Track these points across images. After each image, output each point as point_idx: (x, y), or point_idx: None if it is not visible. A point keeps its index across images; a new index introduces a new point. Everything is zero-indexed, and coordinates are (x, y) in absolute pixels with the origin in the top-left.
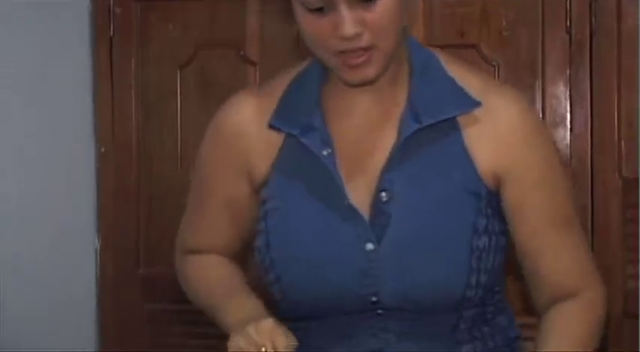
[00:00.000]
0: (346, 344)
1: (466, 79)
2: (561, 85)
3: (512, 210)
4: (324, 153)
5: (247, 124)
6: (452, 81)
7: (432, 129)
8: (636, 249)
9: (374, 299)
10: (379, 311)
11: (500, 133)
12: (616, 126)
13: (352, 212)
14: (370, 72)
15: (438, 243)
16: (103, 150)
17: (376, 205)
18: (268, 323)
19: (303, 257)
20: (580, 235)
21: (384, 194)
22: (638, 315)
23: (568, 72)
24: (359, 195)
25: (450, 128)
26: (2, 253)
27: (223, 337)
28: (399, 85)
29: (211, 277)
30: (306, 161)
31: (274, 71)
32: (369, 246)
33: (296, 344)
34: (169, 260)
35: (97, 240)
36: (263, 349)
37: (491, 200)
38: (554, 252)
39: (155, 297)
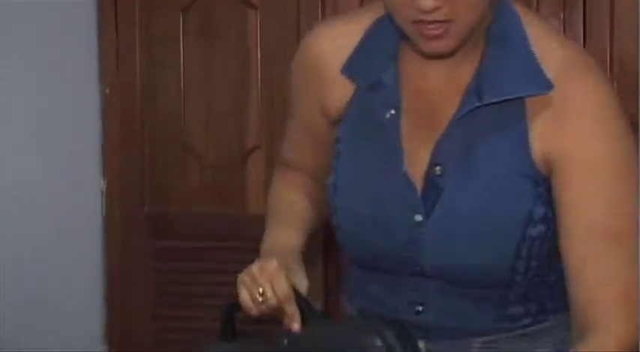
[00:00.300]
0: (394, 297)
1: (549, 53)
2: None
3: (556, 205)
4: (387, 115)
5: (325, 60)
6: (529, 56)
7: (496, 106)
8: None
9: (417, 268)
10: (423, 277)
11: (570, 122)
12: (608, 67)
13: (406, 181)
14: (445, 45)
15: (487, 230)
16: (107, 92)
17: (429, 177)
18: (272, 264)
19: (358, 213)
20: (631, 255)
21: (437, 168)
22: None
23: (562, 15)
24: (416, 162)
25: (515, 107)
26: (6, 186)
27: (224, 272)
28: (475, 53)
29: (277, 198)
30: (372, 115)
31: (275, 14)
32: (418, 218)
33: (300, 290)
34: (173, 199)
35: (102, 180)
36: (260, 290)
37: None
38: (592, 272)
39: (160, 235)
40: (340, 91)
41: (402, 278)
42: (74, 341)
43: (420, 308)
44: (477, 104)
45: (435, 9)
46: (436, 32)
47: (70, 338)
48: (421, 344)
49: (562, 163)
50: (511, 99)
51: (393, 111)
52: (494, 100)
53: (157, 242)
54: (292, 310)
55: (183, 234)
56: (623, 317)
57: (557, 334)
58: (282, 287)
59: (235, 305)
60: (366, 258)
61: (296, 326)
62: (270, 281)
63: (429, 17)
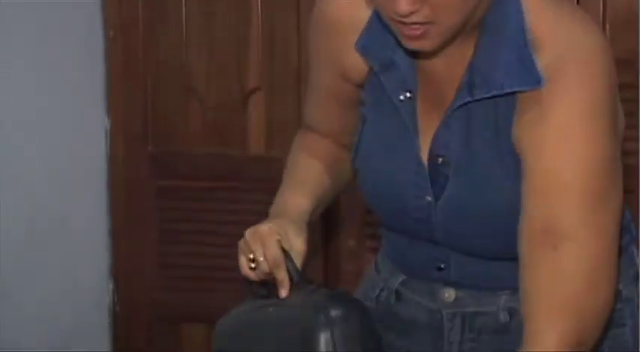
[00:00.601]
0: (416, 255)
1: (550, 40)
2: None
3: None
4: (402, 97)
5: (342, 28)
6: (524, 46)
7: (489, 99)
8: None
9: (432, 239)
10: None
11: (553, 120)
12: (601, 20)
13: (418, 163)
14: (427, 44)
15: (494, 213)
16: (111, 34)
17: (434, 165)
18: (264, 228)
19: (376, 180)
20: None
21: (440, 159)
22: None
23: None
24: (427, 145)
25: (507, 100)
26: (10, 125)
27: (225, 211)
28: (471, 42)
29: (292, 161)
30: (387, 94)
31: None
32: (428, 199)
33: (295, 255)
34: (176, 139)
35: (107, 121)
36: (251, 256)
37: None
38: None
39: (162, 174)
40: (357, 61)
41: (421, 242)
42: (80, 278)
43: (442, 266)
44: (469, 99)
45: (412, 13)
46: (416, 33)
47: (76, 275)
48: (447, 293)
49: (532, 155)
50: (503, 95)
51: (408, 94)
52: (485, 95)
53: (159, 181)
54: (281, 276)
55: (185, 173)
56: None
57: None
58: (272, 252)
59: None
60: (386, 218)
61: (283, 293)
62: (261, 246)
63: (407, 20)
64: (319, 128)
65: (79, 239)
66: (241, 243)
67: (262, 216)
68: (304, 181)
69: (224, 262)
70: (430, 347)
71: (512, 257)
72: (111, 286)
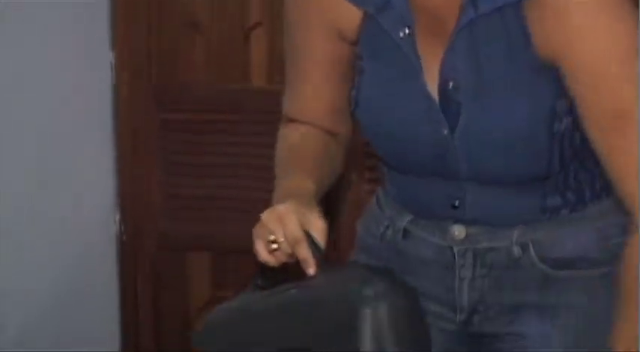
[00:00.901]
0: (429, 195)
1: None
2: None
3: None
4: (402, 34)
5: None
6: None
7: (495, 14)
8: None
9: (450, 175)
10: (458, 180)
11: (568, 17)
12: None
13: (427, 97)
14: None
15: (513, 133)
16: None
17: (445, 92)
18: (280, 207)
19: (382, 131)
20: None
21: (450, 83)
22: None
23: None
24: (432, 77)
25: (513, 13)
26: (14, 63)
27: (227, 143)
28: None
29: (283, 148)
30: (385, 36)
31: None
32: (444, 131)
33: (315, 233)
34: (179, 72)
35: (112, 55)
36: (272, 237)
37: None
38: (612, 156)
39: (166, 107)
40: (350, 13)
41: (436, 180)
42: (87, 209)
43: (457, 203)
44: (473, 15)
45: None
46: None
47: (83, 205)
48: (457, 230)
49: (567, 59)
50: (509, 5)
51: (407, 30)
52: (489, 8)
53: (163, 114)
54: (304, 254)
55: (189, 106)
56: None
57: (597, 220)
58: (292, 230)
59: (260, 265)
60: (395, 163)
61: (311, 270)
62: (281, 226)
63: None
64: (305, 115)
65: (85, 171)
66: (256, 228)
67: (263, 147)
68: (302, 164)
69: (227, 192)
70: (438, 284)
71: (535, 177)
72: (117, 216)
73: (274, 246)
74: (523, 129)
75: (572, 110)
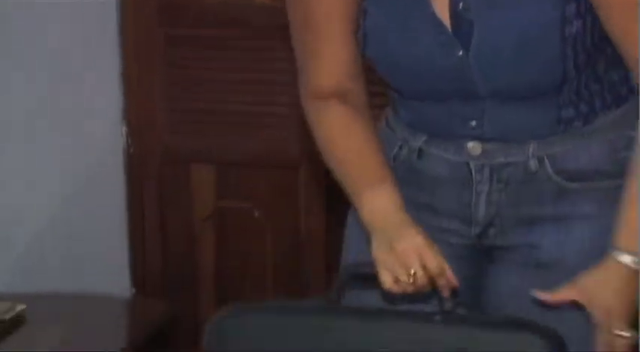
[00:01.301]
0: (446, 117)
1: None
2: None
3: None
4: None
5: None
6: None
7: None
8: None
9: (467, 94)
10: (475, 99)
11: None
12: None
13: (436, 21)
14: None
15: (526, 41)
16: None
17: (455, 14)
18: (416, 242)
19: (394, 61)
20: None
21: (460, 4)
22: None
23: None
24: (441, 2)
25: None
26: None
27: (231, 58)
28: None
29: (342, 146)
30: None
31: None
32: (459, 53)
33: (447, 265)
34: None
35: None
36: (412, 271)
37: None
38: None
39: (172, 22)
40: None
41: (453, 103)
42: (96, 124)
43: (474, 124)
44: None
45: None
46: None
47: (92, 120)
48: (474, 147)
49: None
50: None
51: None
52: None
53: (168, 29)
54: (445, 282)
55: (194, 21)
56: None
57: (608, 131)
58: (435, 263)
59: (364, 277)
60: (410, 92)
61: (447, 293)
62: (420, 260)
63: None
64: (328, 81)
65: (92, 87)
66: (386, 260)
67: (266, 62)
68: (372, 164)
69: (230, 107)
70: (453, 201)
71: (551, 85)
72: (124, 130)
73: (412, 279)
74: (535, 35)
75: (580, 13)
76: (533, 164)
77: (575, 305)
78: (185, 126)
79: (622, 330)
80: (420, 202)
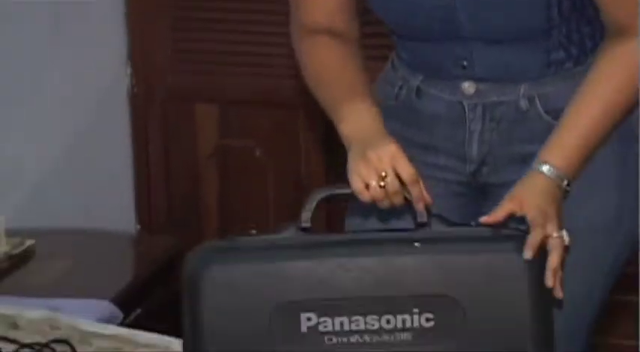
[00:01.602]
0: (438, 56)
1: None
2: None
3: None
4: None
5: None
6: None
7: None
8: None
9: (456, 35)
10: (464, 39)
11: None
12: None
13: None
14: None
15: None
16: None
17: None
18: (390, 148)
19: (390, 6)
20: None
21: None
22: None
23: None
24: None
25: None
26: None
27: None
28: None
29: (328, 70)
30: None
31: None
32: None
33: (417, 172)
34: None
35: None
36: (383, 174)
37: None
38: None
39: None
40: None
41: (443, 43)
42: (101, 63)
43: (465, 63)
44: None
45: None
46: None
47: (97, 59)
48: (467, 86)
49: None
50: None
51: None
52: None
53: None
54: (418, 191)
55: None
56: None
57: None
58: (407, 170)
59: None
60: (405, 31)
61: (421, 206)
62: (392, 166)
63: None
64: (320, 18)
65: (98, 26)
66: (358, 167)
67: (270, 3)
68: (356, 86)
69: (233, 47)
70: (449, 139)
71: (536, 31)
72: (129, 70)
73: (382, 183)
74: None
75: None
76: (524, 103)
77: (514, 218)
78: (189, 66)
79: (554, 231)
80: (420, 141)
